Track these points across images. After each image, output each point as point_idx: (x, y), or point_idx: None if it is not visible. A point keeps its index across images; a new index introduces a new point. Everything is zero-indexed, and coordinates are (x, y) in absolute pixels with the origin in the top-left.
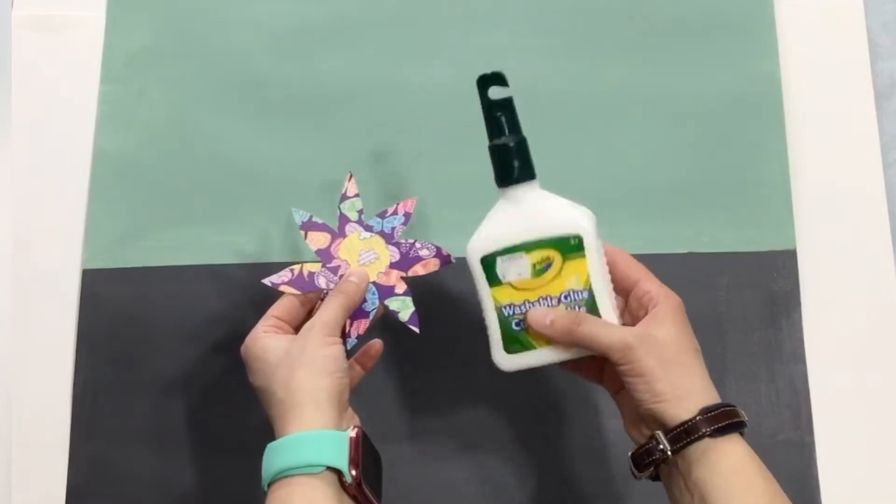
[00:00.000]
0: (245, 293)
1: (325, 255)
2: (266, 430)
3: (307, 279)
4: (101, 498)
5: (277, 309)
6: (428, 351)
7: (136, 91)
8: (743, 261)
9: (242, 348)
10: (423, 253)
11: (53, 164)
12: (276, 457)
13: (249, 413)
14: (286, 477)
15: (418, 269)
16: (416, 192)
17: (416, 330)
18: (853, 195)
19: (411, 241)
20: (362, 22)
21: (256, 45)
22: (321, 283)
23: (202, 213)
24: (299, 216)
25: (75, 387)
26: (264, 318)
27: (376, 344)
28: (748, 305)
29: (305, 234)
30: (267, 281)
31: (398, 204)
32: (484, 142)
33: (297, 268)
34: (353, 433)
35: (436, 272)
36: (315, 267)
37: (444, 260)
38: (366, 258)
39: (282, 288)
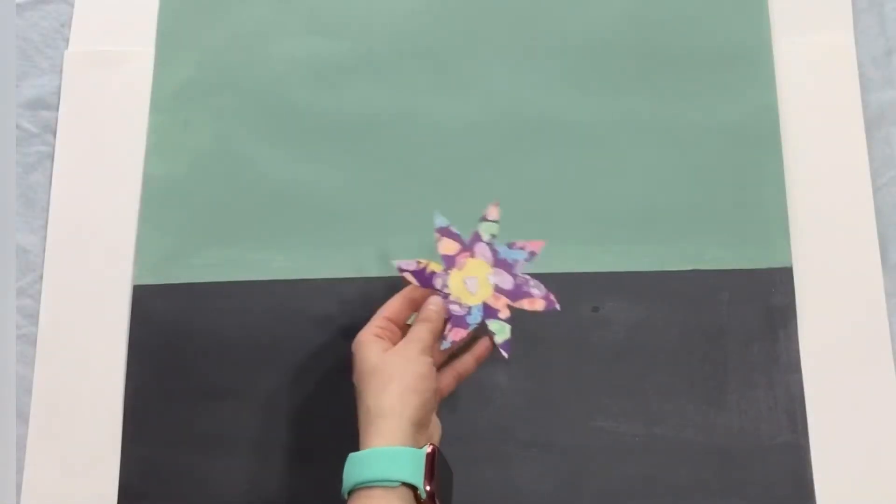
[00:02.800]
0: (283, 307)
1: (448, 262)
2: (305, 436)
3: (427, 276)
4: (149, 497)
5: (388, 310)
6: None
7: (183, 120)
8: (743, 277)
9: (353, 343)
10: (535, 291)
11: (106, 188)
12: (357, 468)
13: (289, 420)
14: (365, 488)
15: (524, 304)
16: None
17: (506, 355)
18: (845, 216)
19: (528, 276)
20: (391, 57)
21: (293, 77)
22: (438, 284)
23: (243, 232)
24: (439, 220)
25: (126, 394)
26: (376, 318)
27: (487, 341)
28: (748, 319)
29: (439, 238)
30: (396, 263)
31: (529, 242)
32: (501, 171)
33: (423, 262)
34: (428, 449)
35: (539, 313)
36: (438, 268)
37: (550, 304)
38: (472, 285)
39: (405, 275)
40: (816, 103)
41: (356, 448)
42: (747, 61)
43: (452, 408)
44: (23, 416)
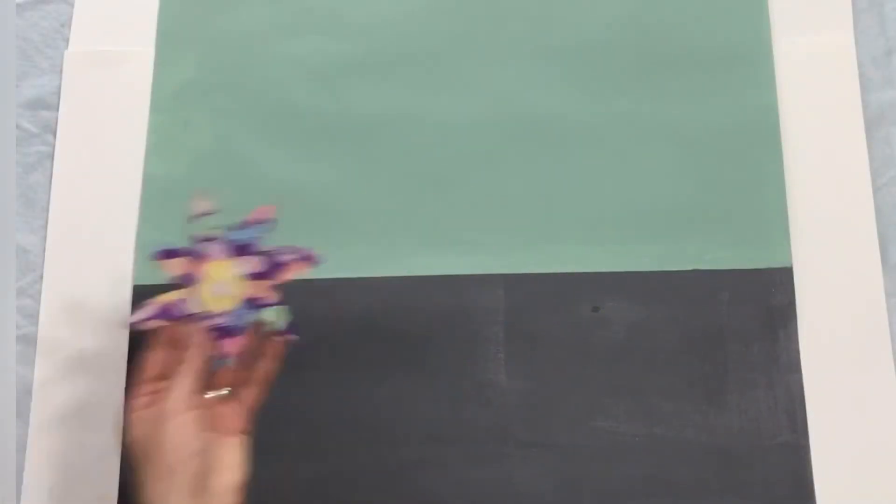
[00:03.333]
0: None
1: (187, 280)
2: (311, 428)
3: (171, 309)
4: None
5: (148, 371)
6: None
7: (183, 120)
8: (743, 277)
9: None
10: (288, 258)
11: (106, 188)
12: None
13: (285, 415)
14: None
15: (286, 276)
16: (441, 215)
17: (295, 336)
18: (845, 216)
19: (275, 247)
20: (391, 57)
21: (293, 78)
22: (190, 309)
23: None
24: (152, 250)
25: (127, 390)
26: (137, 385)
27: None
28: (748, 319)
29: (162, 265)
30: (133, 319)
31: (255, 211)
32: (501, 171)
33: (159, 300)
34: None
35: (307, 273)
36: (178, 295)
37: (311, 260)
38: (223, 289)
39: (150, 324)
40: (816, 103)
41: (369, 441)
42: (747, 61)
43: (451, 406)
44: (23, 416)
